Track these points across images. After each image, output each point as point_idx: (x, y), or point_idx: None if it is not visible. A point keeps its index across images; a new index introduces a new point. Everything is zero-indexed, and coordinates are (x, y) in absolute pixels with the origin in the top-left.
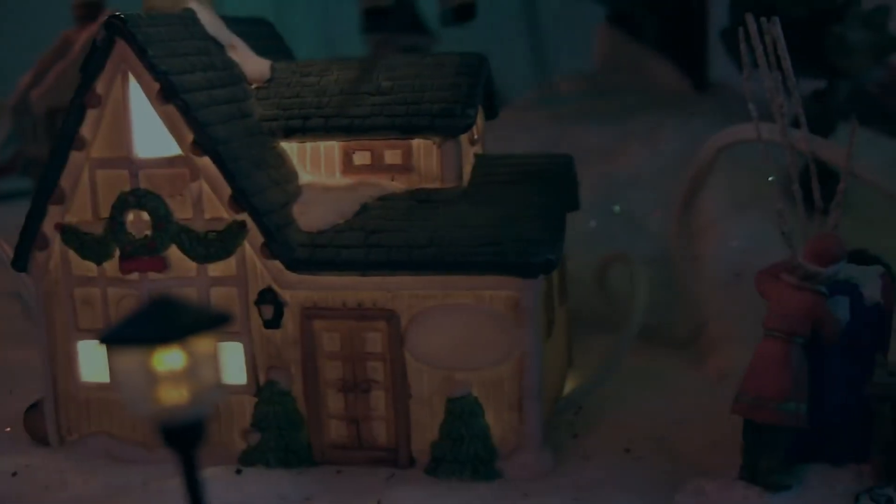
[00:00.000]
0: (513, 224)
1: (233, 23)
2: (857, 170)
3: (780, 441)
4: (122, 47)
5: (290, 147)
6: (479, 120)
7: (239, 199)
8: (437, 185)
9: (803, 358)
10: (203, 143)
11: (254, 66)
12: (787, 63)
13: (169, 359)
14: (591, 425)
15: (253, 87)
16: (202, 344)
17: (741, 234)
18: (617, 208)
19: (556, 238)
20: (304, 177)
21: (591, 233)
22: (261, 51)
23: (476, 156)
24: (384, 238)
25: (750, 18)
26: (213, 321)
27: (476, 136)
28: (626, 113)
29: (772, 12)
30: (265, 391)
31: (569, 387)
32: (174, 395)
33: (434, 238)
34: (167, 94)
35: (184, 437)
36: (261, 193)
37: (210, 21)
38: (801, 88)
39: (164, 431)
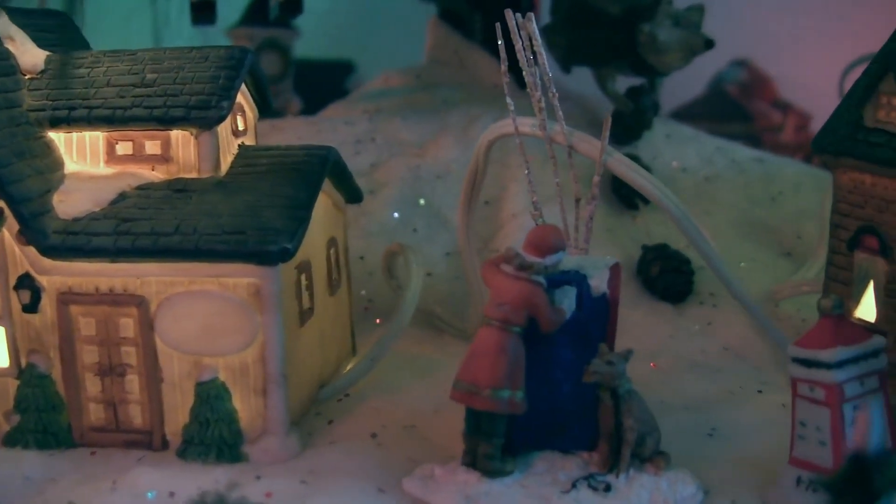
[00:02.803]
0: (258, 214)
1: (21, 14)
2: (609, 164)
3: (497, 428)
4: None
5: (57, 137)
6: (250, 112)
7: None
8: (194, 174)
9: (520, 347)
10: None
11: (29, 57)
12: (542, 59)
13: None
14: (349, 412)
15: (27, 77)
16: None
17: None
18: (422, 201)
19: (297, 228)
20: (71, 166)
21: (394, 224)
22: (52, 42)
23: (240, 146)
24: (134, 226)
25: (509, 14)
26: None
27: (243, 128)
28: (446, 107)
29: (589, 11)
30: (25, 374)
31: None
32: None
33: (181, 226)
34: None
35: None
36: (19, 182)
37: None
38: (620, 85)
39: None
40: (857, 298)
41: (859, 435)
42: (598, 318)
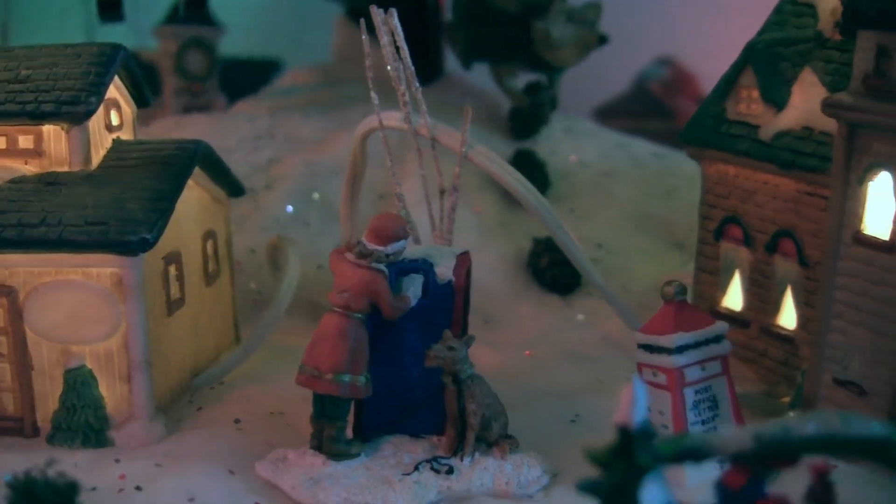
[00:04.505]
0: (121, 205)
1: None
2: (470, 155)
3: (340, 411)
4: None
5: None
6: (126, 107)
7: None
8: (65, 168)
9: (362, 332)
10: None
11: None
12: (405, 53)
13: None
14: (219, 399)
15: None
16: None
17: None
18: (316, 195)
19: (158, 219)
20: None
21: (288, 218)
22: None
23: (114, 140)
24: (2, 218)
25: (374, 9)
26: None
27: (118, 123)
28: (347, 104)
29: (486, 8)
30: None
31: None
32: None
33: (47, 218)
34: None
35: None
36: None
37: None
38: (519, 82)
39: None
40: (724, 288)
41: (623, 409)
42: (443, 305)
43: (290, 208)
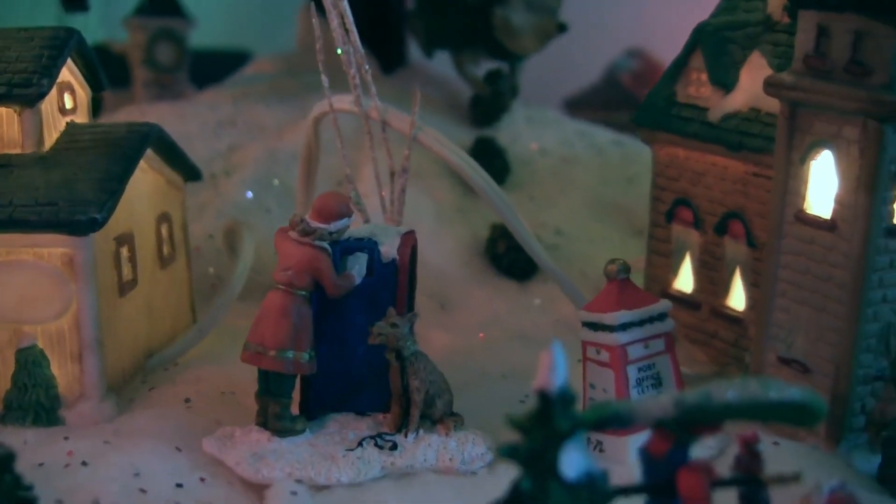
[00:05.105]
0: (72, 186)
1: None
2: (419, 137)
3: (284, 388)
4: None
5: None
6: (81, 90)
7: None
8: (17, 150)
9: (305, 309)
10: None
11: None
12: (354, 37)
13: None
14: (172, 380)
15: None
16: None
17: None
18: (276, 182)
19: (108, 199)
20: None
21: (248, 204)
22: None
23: (68, 124)
24: None
25: None
26: None
27: (71, 106)
28: (309, 92)
29: None
30: None
31: None
32: None
33: None
34: None
35: None
36: None
37: None
38: (482, 71)
39: None
40: (675, 270)
41: (543, 375)
42: (387, 283)
43: (249, 194)
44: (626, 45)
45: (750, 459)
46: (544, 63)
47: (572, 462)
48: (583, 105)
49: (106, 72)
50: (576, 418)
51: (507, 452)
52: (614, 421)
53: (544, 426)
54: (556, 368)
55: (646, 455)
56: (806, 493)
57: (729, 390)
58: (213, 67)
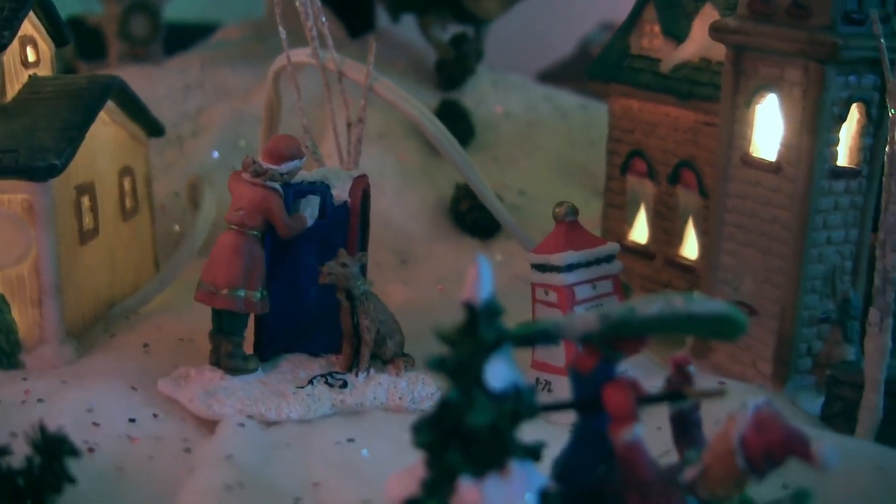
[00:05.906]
0: (32, 135)
1: None
2: (375, 87)
3: (236, 326)
4: None
5: None
6: (44, 44)
7: None
8: None
9: (256, 249)
10: None
11: None
12: None
13: None
14: (132, 327)
15: None
16: None
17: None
18: (242, 142)
19: (66, 147)
20: None
21: (214, 164)
22: None
23: (30, 76)
24: None
25: None
26: None
27: (34, 59)
28: (275, 55)
29: None
30: None
31: None
32: None
33: None
34: None
35: None
36: None
37: None
38: (447, 34)
39: None
40: (630, 221)
41: (469, 287)
42: (339, 225)
43: (216, 154)
44: (600, 19)
45: (681, 380)
46: (516, 35)
47: (498, 373)
48: (555, 77)
49: (81, 44)
50: (501, 330)
51: (435, 364)
52: (541, 336)
53: (470, 338)
54: (482, 281)
55: (573, 372)
56: (732, 411)
57: (653, 304)
58: (188, 39)
